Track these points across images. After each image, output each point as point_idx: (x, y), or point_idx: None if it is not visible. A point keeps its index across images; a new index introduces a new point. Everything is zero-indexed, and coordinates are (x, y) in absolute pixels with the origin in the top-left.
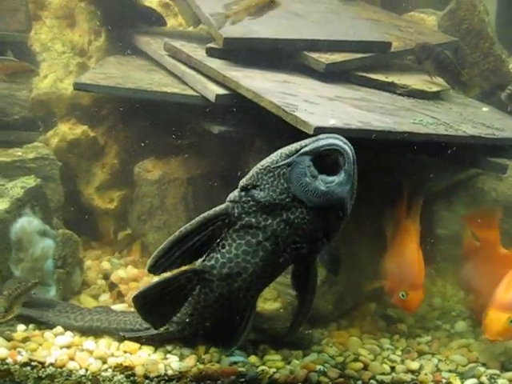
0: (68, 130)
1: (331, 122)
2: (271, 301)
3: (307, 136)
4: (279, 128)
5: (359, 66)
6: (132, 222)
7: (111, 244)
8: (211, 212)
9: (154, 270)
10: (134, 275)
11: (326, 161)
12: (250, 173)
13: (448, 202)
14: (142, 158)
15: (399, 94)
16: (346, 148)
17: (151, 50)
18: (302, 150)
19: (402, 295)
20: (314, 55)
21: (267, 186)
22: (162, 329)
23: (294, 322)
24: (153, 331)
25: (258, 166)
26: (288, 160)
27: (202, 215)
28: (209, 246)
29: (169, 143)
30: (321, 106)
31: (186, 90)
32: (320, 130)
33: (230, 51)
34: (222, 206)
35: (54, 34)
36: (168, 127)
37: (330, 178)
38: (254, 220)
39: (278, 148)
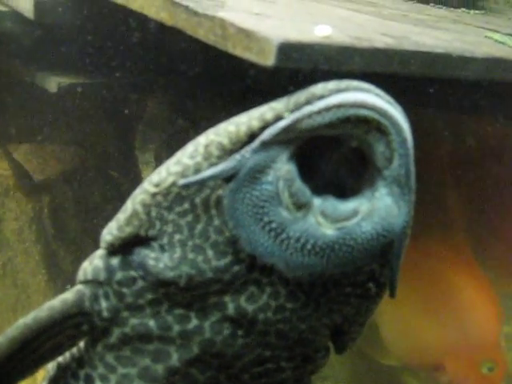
0: None
1: (321, 31)
2: None
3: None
4: (198, 70)
5: None
6: None
7: None
8: (43, 312)
9: None
10: None
11: (332, 157)
12: (129, 204)
13: None
14: None
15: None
16: (393, 113)
17: None
18: (267, 133)
19: (489, 369)
20: None
21: (178, 236)
22: None
23: None
24: None
25: (147, 183)
26: (228, 164)
27: (23, 321)
28: None
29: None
30: (284, 7)
31: None
32: (293, 51)
33: None
34: (69, 297)
35: None
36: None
37: (348, 206)
38: (152, 323)
39: (197, 116)
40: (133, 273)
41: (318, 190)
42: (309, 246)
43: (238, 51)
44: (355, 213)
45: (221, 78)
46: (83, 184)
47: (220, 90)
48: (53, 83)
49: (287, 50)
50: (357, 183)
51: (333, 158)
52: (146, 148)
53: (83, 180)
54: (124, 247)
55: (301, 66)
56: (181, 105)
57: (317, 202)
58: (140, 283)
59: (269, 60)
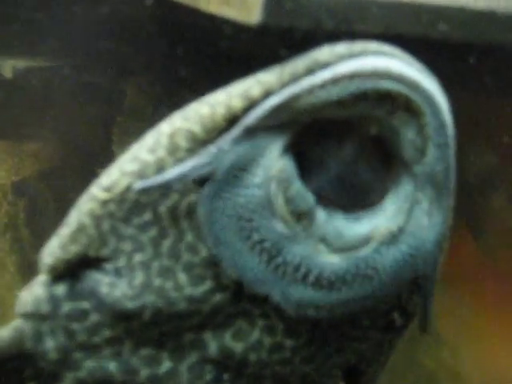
0: None
1: None
2: None
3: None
4: (183, 46)
5: None
6: None
7: None
8: None
9: None
10: None
11: (342, 149)
12: (74, 215)
13: None
14: None
15: None
16: (428, 87)
17: None
18: (252, 115)
19: None
20: None
21: (139, 256)
22: None
23: None
24: None
25: (95, 187)
26: (201, 160)
27: None
28: None
29: None
30: None
31: None
32: (285, 3)
33: None
34: (5, 335)
35: None
36: None
37: (359, 230)
38: (113, 366)
39: (184, 103)
40: (84, 304)
41: (323, 195)
42: (312, 278)
43: (213, 8)
44: (367, 240)
45: (206, 51)
46: (64, 183)
47: (208, 66)
48: (7, 67)
49: (276, 1)
50: (376, 183)
51: (343, 149)
52: (125, 142)
53: (63, 178)
54: (71, 271)
55: (296, 25)
56: (165, 90)
57: (321, 215)
58: (94, 317)
59: (253, 16)
